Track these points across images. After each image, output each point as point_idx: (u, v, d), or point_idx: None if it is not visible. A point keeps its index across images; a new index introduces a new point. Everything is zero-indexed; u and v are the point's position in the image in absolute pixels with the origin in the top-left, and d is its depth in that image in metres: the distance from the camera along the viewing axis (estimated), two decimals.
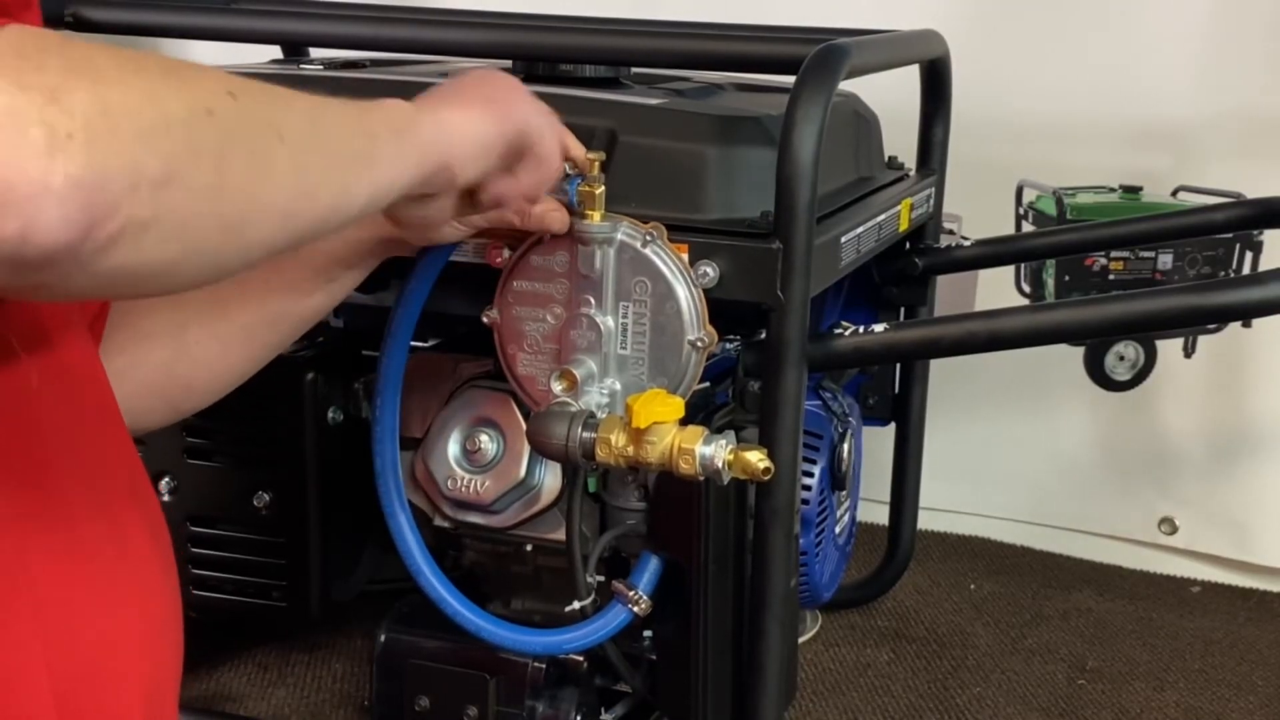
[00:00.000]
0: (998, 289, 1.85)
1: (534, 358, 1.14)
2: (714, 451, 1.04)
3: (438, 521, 1.27)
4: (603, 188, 1.08)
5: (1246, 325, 1.80)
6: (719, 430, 1.09)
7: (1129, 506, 1.91)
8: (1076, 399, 1.92)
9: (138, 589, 0.80)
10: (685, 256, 1.11)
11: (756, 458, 1.04)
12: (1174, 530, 1.89)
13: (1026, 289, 1.92)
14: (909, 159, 1.56)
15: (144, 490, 0.85)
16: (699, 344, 1.10)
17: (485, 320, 1.16)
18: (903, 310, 1.60)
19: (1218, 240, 1.81)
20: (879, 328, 1.23)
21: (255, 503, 1.33)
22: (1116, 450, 1.91)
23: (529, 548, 1.28)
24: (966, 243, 1.61)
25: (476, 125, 0.89)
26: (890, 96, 1.51)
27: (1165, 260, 1.86)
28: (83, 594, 0.76)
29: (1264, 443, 1.85)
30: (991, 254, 1.62)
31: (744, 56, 1.31)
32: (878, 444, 1.71)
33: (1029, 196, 1.88)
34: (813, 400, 1.41)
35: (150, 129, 0.59)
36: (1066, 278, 1.89)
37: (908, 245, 1.55)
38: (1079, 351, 1.91)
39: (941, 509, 1.95)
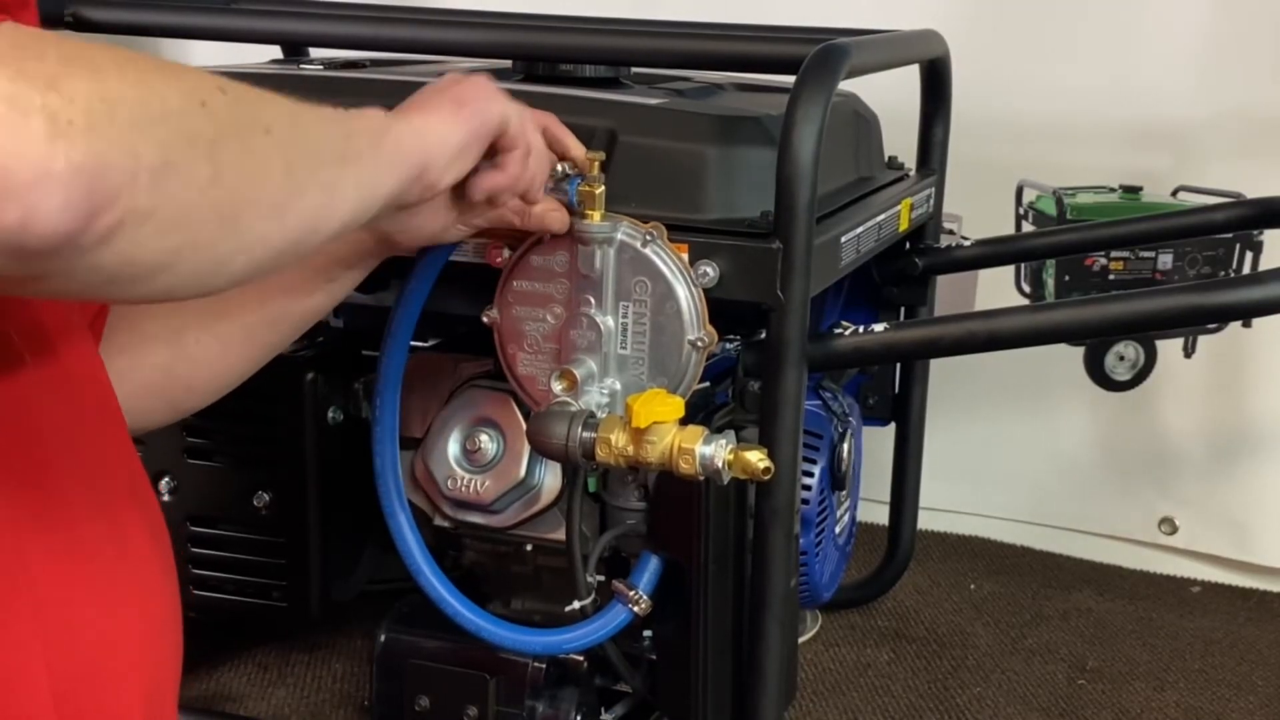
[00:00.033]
0: (998, 289, 1.85)
1: (534, 357, 1.14)
2: (714, 451, 1.04)
3: (438, 521, 1.27)
4: (603, 187, 1.08)
5: (1246, 325, 1.80)
6: (719, 430, 1.09)
7: (1129, 506, 1.91)
8: (1076, 399, 1.92)
9: (137, 589, 0.81)
10: (685, 256, 1.11)
11: (756, 457, 1.04)
12: (1174, 530, 1.89)
13: (1026, 289, 1.92)
14: (909, 159, 1.56)
15: (144, 490, 0.85)
16: (699, 344, 1.10)
17: (485, 320, 1.16)
18: (903, 310, 1.60)
19: (1218, 240, 1.81)
20: (879, 328, 1.23)
21: (255, 503, 1.33)
22: (1116, 450, 1.91)
23: (529, 548, 1.28)
24: (966, 243, 1.61)
25: (449, 127, 0.90)
26: (890, 96, 1.51)
27: (1165, 260, 1.86)
28: (83, 594, 0.76)
29: (1264, 443, 1.85)
30: (991, 254, 1.62)
31: (744, 56, 1.31)
32: (878, 444, 1.71)
33: (1029, 196, 1.88)
34: (813, 400, 1.41)
35: (148, 118, 0.60)
36: (1066, 278, 1.89)
37: (908, 245, 1.55)
38: (1079, 351, 1.91)
39: (941, 509, 1.95)
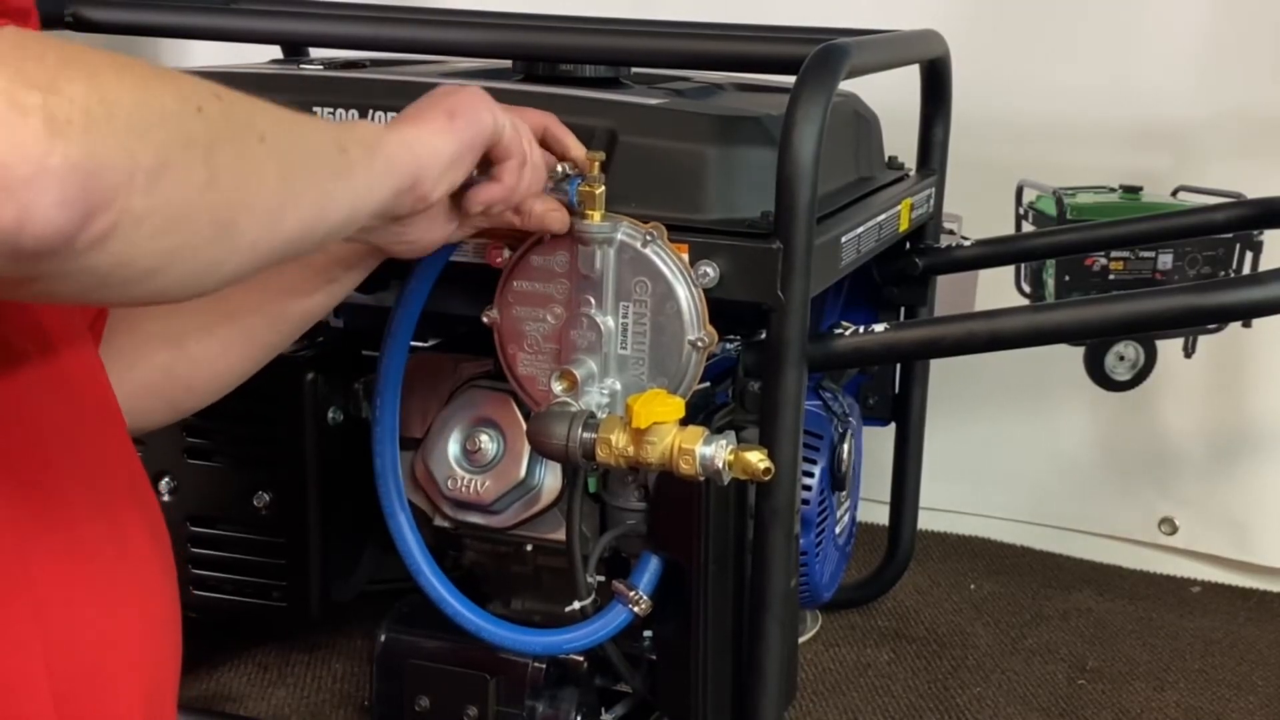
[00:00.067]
0: (998, 289, 1.85)
1: (534, 358, 1.14)
2: (714, 452, 1.04)
3: (438, 521, 1.27)
4: (603, 188, 1.08)
5: (1246, 325, 1.80)
6: (719, 430, 1.09)
7: (1129, 506, 1.91)
8: (1076, 399, 1.92)
9: (137, 589, 0.81)
10: (685, 256, 1.11)
11: (757, 458, 1.04)
12: (1174, 530, 1.89)
13: (1026, 289, 1.92)
14: (909, 159, 1.56)
15: (144, 491, 0.85)
16: (699, 344, 1.10)
17: (485, 320, 1.16)
18: (903, 310, 1.60)
19: (1218, 240, 1.81)
20: (879, 328, 1.23)
21: (255, 503, 1.33)
22: (1116, 450, 1.91)
23: (529, 548, 1.28)
24: (966, 243, 1.61)
25: (442, 138, 0.90)
26: (890, 96, 1.50)
27: (1165, 260, 1.86)
28: (83, 594, 0.76)
29: (1264, 443, 1.85)
30: (991, 254, 1.62)
31: (744, 56, 1.31)
32: (878, 444, 1.71)
33: (1029, 196, 1.88)
34: (813, 400, 1.41)
35: (145, 120, 0.60)
36: (1066, 278, 1.89)
37: (908, 245, 1.55)
38: (1079, 351, 1.91)
39: (941, 509, 1.95)
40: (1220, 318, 1.61)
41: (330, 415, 1.32)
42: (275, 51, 1.65)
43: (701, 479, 1.06)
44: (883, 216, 1.35)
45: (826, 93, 1.09)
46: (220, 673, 1.54)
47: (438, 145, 0.89)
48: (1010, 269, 1.90)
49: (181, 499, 1.35)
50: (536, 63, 1.37)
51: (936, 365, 1.67)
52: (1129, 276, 1.86)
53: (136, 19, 1.44)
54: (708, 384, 1.21)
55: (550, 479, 1.23)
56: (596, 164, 1.07)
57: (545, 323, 1.13)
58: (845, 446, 1.42)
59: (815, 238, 1.10)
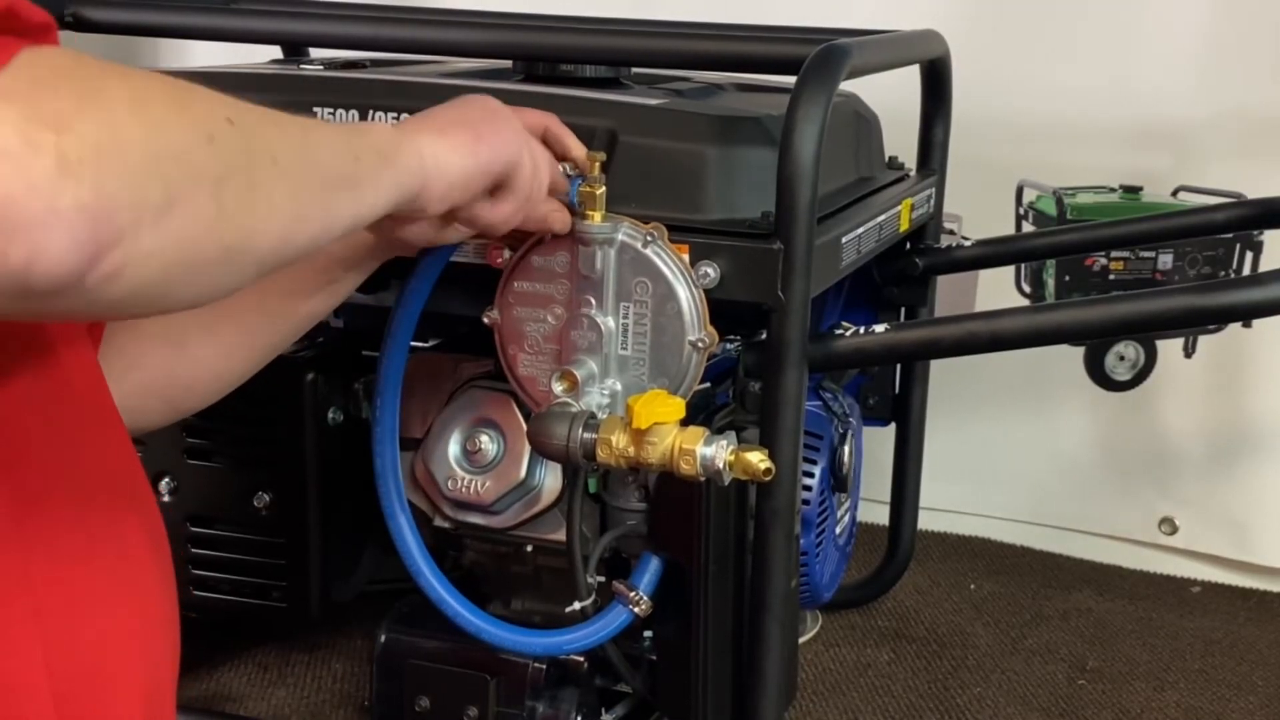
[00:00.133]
0: (998, 289, 1.85)
1: (535, 358, 1.14)
2: (715, 452, 1.04)
3: (438, 522, 1.27)
4: (603, 188, 1.08)
5: (1246, 325, 1.80)
6: (720, 431, 1.09)
7: (1129, 506, 1.91)
8: (1076, 399, 1.92)
9: (136, 591, 0.81)
10: (686, 257, 1.11)
11: (757, 458, 1.04)
12: (1174, 530, 1.89)
13: (1027, 289, 1.92)
14: (909, 159, 1.56)
15: (143, 493, 0.85)
16: (700, 344, 1.10)
17: (486, 321, 1.16)
18: (903, 310, 1.60)
19: (1218, 240, 1.81)
20: (879, 328, 1.23)
21: (255, 503, 1.33)
22: (1116, 450, 1.91)
23: (529, 548, 1.28)
24: (967, 243, 1.61)
25: (457, 158, 0.89)
26: (890, 96, 1.51)
27: (1165, 260, 1.86)
28: (82, 596, 0.76)
29: (1264, 443, 1.85)
30: (991, 254, 1.62)
31: (744, 56, 1.31)
32: (878, 444, 1.71)
33: (1029, 196, 1.88)
34: (813, 401, 1.41)
35: (156, 157, 0.60)
36: (1067, 278, 1.89)
37: (908, 245, 1.55)
38: (1079, 351, 1.91)
39: (941, 509, 1.95)
40: (1220, 318, 1.61)
41: (330, 415, 1.32)
42: (275, 51, 1.65)
43: (702, 479, 1.06)
44: (883, 217, 1.35)
45: (827, 93, 1.09)
46: (220, 673, 1.54)
47: (452, 163, 0.89)
48: (1010, 269, 1.90)
49: (181, 499, 1.34)
50: (536, 63, 1.37)
51: (936, 365, 1.67)
52: (1129, 276, 1.86)
53: (136, 19, 1.43)
54: (708, 384, 1.21)
55: (550, 479, 1.23)
56: (597, 164, 1.07)
57: (546, 323, 1.13)
58: (846, 447, 1.42)
59: (816, 238, 1.10)
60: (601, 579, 1.20)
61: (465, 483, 1.24)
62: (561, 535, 1.23)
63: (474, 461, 1.24)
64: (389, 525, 1.18)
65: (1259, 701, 1.57)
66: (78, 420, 0.80)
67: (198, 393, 1.06)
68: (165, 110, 0.62)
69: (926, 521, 1.85)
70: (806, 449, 1.31)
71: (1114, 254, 1.86)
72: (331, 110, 1.23)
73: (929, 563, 1.89)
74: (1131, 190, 1.85)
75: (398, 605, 1.32)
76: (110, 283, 0.59)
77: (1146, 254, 1.86)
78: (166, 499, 1.34)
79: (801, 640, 1.63)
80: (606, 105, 1.22)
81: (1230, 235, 1.79)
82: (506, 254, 1.14)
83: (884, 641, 1.68)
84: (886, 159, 1.53)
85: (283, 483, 1.33)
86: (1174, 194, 1.83)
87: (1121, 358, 1.89)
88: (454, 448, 1.25)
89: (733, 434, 1.09)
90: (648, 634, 1.25)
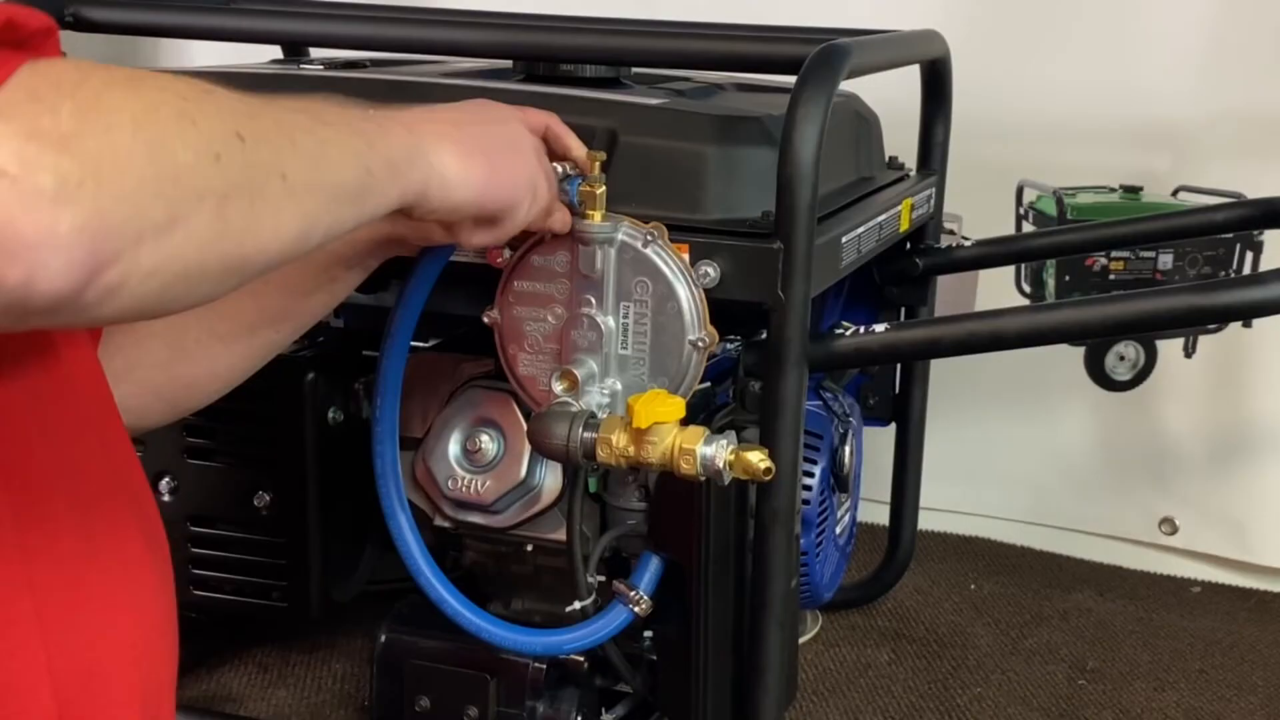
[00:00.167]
0: (998, 289, 1.85)
1: (535, 358, 1.14)
2: (715, 452, 1.04)
3: (438, 521, 1.27)
4: (604, 188, 1.08)
5: (1246, 325, 1.80)
6: (720, 430, 1.09)
7: (1129, 506, 1.91)
8: (1076, 399, 1.92)
9: (134, 591, 0.81)
10: (686, 256, 1.11)
11: (757, 458, 1.04)
12: (1174, 530, 1.89)
13: (1027, 289, 1.92)
14: (909, 159, 1.56)
15: (142, 493, 0.85)
16: (700, 344, 1.10)
17: (486, 320, 1.16)
18: (903, 310, 1.60)
19: (1218, 240, 1.81)
20: (879, 328, 1.23)
21: (255, 503, 1.33)
22: (1116, 450, 1.91)
23: (529, 548, 1.28)
24: (967, 243, 1.61)
25: (463, 189, 0.88)
26: (890, 96, 1.51)
27: (1165, 260, 1.86)
28: (82, 596, 0.76)
29: (1264, 443, 1.85)
30: (992, 254, 1.62)
31: (744, 56, 1.31)
32: (878, 444, 1.71)
33: (1029, 196, 1.88)
34: (813, 400, 1.41)
35: (158, 177, 0.59)
36: (1067, 278, 1.89)
37: (908, 245, 1.55)
38: (1079, 351, 1.91)
39: (941, 509, 1.95)
40: (1220, 318, 1.61)
41: (330, 415, 1.32)
42: (275, 51, 1.65)
43: (702, 479, 1.06)
44: (883, 217, 1.35)
45: (827, 93, 1.09)
46: (220, 673, 1.54)
47: (455, 189, 0.87)
48: (1010, 269, 1.90)
49: (181, 499, 1.34)
50: (537, 63, 1.37)
51: (937, 365, 1.67)
52: (1129, 276, 1.86)
53: (136, 19, 1.43)
54: (708, 384, 1.21)
55: (551, 479, 1.23)
56: (597, 164, 1.07)
57: (546, 323, 1.13)
58: (846, 447, 1.42)
59: (816, 238, 1.10)
60: (601, 578, 1.21)
61: (465, 482, 1.24)
62: (562, 535, 1.23)
63: (474, 461, 1.24)
64: (389, 525, 1.18)
65: (1259, 701, 1.57)
66: (78, 419, 0.80)
67: (198, 392, 1.06)
68: (171, 127, 0.61)
69: (927, 521, 1.85)
70: (807, 449, 1.31)
71: (1114, 254, 1.86)
72: None
73: (929, 563, 1.89)
74: (1131, 190, 1.85)
75: (398, 605, 1.32)
76: (109, 299, 0.59)
77: (1146, 254, 1.86)
78: (166, 499, 1.34)
79: (801, 640, 1.63)
80: (607, 105, 1.22)
81: (1230, 235, 1.79)
82: (506, 253, 1.14)
83: (884, 641, 1.68)
84: (886, 159, 1.53)
85: (283, 482, 1.33)
86: (1174, 194, 1.83)
87: (1122, 358, 1.89)
88: (454, 447, 1.25)
89: (733, 434, 1.09)
90: (648, 634, 1.25)
